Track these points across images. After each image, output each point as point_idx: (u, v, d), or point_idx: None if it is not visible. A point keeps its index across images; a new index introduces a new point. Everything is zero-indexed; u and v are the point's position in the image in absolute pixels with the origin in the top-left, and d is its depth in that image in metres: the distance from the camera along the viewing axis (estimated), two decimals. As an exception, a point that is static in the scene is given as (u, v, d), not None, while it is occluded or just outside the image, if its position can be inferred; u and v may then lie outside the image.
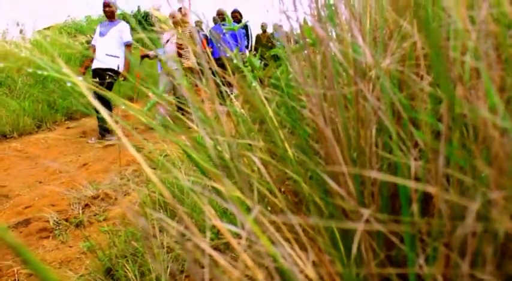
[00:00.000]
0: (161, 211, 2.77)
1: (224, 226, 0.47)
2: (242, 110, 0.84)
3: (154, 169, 4.05)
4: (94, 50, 7.07)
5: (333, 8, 0.75)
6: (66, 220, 3.50)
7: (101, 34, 6.96)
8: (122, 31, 6.99)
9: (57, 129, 7.54)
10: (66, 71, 0.84)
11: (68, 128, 7.57)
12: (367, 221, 0.58)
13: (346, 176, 0.60)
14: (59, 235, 3.27)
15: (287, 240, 0.53)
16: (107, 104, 6.77)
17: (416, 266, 0.54)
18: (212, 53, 7.94)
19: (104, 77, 6.55)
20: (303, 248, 0.55)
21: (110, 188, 3.87)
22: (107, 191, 3.82)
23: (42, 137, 5.88)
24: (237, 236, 0.55)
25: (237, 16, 9.50)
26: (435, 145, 0.54)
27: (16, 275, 2.70)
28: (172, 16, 7.38)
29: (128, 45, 7.09)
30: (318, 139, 0.74)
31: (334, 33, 0.81)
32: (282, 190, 0.76)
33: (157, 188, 2.33)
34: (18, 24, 10.37)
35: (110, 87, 6.77)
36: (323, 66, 0.67)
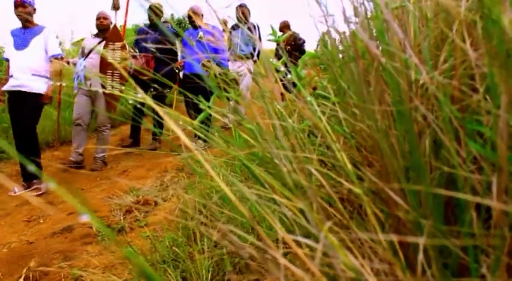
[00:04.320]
0: (201, 216, 2.81)
1: (292, 238, 0.50)
2: (291, 122, 0.87)
3: (191, 174, 4.10)
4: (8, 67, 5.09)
5: (383, 22, 0.77)
6: (108, 226, 3.59)
7: (18, 46, 4.97)
8: (47, 41, 5.09)
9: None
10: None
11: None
12: (423, 230, 0.59)
13: (404, 188, 0.62)
14: (101, 241, 3.35)
15: (348, 249, 0.55)
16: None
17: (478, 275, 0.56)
18: (183, 67, 6.38)
19: (21, 104, 4.81)
20: (364, 257, 0.58)
21: (149, 194, 3.95)
22: (147, 198, 3.91)
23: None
24: (298, 246, 0.58)
25: (244, 12, 7.34)
26: (493, 157, 0.55)
27: (63, 280, 2.80)
28: (104, 17, 5.99)
29: (56, 59, 5.12)
30: (372, 151, 0.76)
31: (381, 45, 0.82)
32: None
33: (198, 195, 2.36)
34: (57, 37, 10.77)
35: (34, 118, 4.95)
36: (376, 82, 0.70)
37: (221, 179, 0.56)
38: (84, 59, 5.82)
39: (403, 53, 0.67)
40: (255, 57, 7.18)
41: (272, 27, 1.31)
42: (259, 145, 0.72)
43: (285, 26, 9.47)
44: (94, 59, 5.79)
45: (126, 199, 3.95)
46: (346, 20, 0.77)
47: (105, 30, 5.91)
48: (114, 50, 5.68)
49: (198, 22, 6.11)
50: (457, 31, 0.74)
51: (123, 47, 5.72)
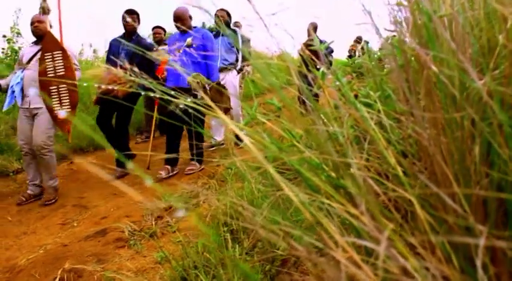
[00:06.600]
0: (233, 222, 2.82)
1: (347, 242, 0.51)
2: (338, 128, 0.88)
3: (222, 181, 4.13)
4: None
5: (432, 29, 0.77)
6: (140, 231, 3.64)
7: None
8: None
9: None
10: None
11: (137, 142, 7.87)
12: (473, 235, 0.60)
13: (458, 194, 0.62)
14: (133, 245, 3.39)
15: (401, 255, 0.56)
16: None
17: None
18: (165, 79, 5.31)
19: None
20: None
21: (181, 200, 3.99)
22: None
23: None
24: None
25: (224, 17, 6.54)
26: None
27: (97, 281, 2.86)
28: (38, 21, 4.95)
29: None
30: (419, 158, 0.77)
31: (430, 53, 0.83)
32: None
33: (232, 201, 2.37)
34: (91, 45, 11.13)
35: None
36: (426, 89, 0.70)
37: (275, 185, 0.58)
38: (22, 71, 4.94)
39: (454, 60, 0.67)
40: (239, 66, 6.65)
41: (316, 37, 1.31)
42: (313, 151, 0.74)
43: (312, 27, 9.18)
44: (33, 71, 4.81)
45: (158, 204, 4.00)
46: (399, 31, 0.77)
47: (43, 36, 4.93)
48: (53, 60, 4.74)
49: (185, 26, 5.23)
50: (508, 37, 0.74)
51: (64, 54, 4.77)
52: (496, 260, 0.67)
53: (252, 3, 0.95)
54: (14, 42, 8.12)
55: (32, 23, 4.99)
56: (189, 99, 0.85)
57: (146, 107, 7.67)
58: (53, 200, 4.83)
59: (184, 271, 2.47)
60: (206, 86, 4.75)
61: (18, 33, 8.07)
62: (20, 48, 7.11)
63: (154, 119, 6.53)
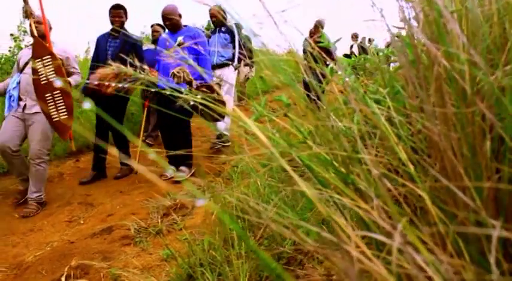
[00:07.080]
0: (239, 220, 2.82)
1: (359, 235, 0.51)
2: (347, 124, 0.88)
3: (229, 179, 4.12)
4: None
5: (442, 24, 0.77)
6: (146, 228, 3.65)
7: None
8: None
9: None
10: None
11: (143, 140, 7.87)
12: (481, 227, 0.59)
13: (470, 188, 0.62)
14: (139, 243, 3.40)
15: (414, 249, 0.56)
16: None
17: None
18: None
19: None
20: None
21: (186, 198, 3.99)
22: (184, 201, 3.95)
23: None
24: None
25: (215, 16, 6.33)
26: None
27: (103, 279, 2.87)
28: (37, 21, 4.80)
29: None
30: (429, 153, 0.77)
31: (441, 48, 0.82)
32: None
33: (237, 197, 2.37)
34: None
35: None
36: (436, 84, 0.70)
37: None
38: (19, 75, 4.78)
39: (464, 54, 0.67)
40: (235, 62, 6.48)
41: (323, 34, 1.30)
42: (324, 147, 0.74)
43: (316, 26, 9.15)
44: (30, 75, 4.63)
45: (163, 202, 4.00)
46: (409, 26, 0.77)
47: (42, 37, 4.79)
48: (44, 65, 4.56)
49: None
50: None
51: (52, 58, 4.60)
52: (508, 256, 0.67)
53: (262, 0, 0.95)
54: (20, 41, 8.20)
55: (30, 25, 4.84)
56: (199, 96, 0.85)
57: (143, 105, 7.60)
58: (33, 214, 4.52)
59: (190, 268, 2.47)
60: (193, 83, 4.30)
61: (25, 32, 8.15)
62: (26, 46, 7.14)
63: (143, 118, 6.51)
